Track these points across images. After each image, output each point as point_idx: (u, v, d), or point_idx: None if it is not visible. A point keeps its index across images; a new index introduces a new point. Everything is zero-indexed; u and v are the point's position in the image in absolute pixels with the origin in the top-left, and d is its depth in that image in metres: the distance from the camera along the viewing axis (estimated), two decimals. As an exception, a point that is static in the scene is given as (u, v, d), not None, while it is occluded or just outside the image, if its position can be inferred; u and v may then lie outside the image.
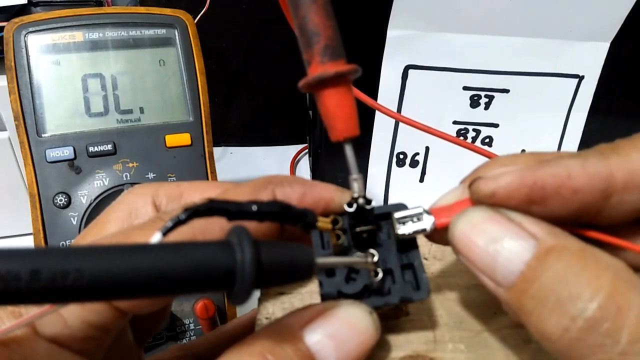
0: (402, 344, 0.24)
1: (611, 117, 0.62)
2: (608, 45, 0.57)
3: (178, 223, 0.18)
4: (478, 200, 0.22)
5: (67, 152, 0.48)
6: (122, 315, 0.22)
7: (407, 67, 0.58)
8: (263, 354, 0.19)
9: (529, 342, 0.24)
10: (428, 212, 0.23)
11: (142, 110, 0.51)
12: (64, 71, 0.49)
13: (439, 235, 0.23)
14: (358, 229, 0.24)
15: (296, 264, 0.19)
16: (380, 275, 0.23)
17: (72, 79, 0.49)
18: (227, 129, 0.81)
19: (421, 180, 0.66)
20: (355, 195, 0.23)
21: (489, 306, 0.26)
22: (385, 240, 0.24)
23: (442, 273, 0.28)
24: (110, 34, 0.50)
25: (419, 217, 0.23)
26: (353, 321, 0.21)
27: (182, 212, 0.18)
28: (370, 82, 0.59)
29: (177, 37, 0.52)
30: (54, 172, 0.47)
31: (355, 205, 0.23)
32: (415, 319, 0.25)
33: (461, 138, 0.62)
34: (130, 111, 0.50)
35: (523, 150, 0.62)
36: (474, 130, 0.62)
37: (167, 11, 0.52)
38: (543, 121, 0.62)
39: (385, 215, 0.24)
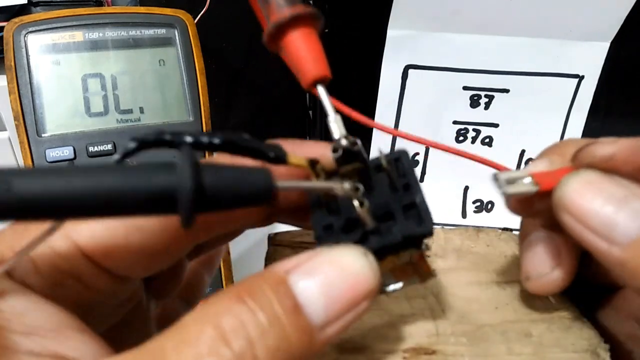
0: (405, 337, 0.24)
1: (611, 117, 0.62)
2: (608, 45, 0.57)
3: (127, 154, 0.18)
4: (591, 164, 0.22)
5: (67, 152, 0.47)
6: (101, 269, 0.21)
7: (407, 67, 0.58)
8: (240, 294, 0.17)
9: (531, 336, 0.24)
10: (529, 176, 0.23)
11: (142, 110, 0.51)
12: (64, 71, 0.49)
13: (536, 201, 0.23)
14: (343, 170, 0.22)
15: (251, 186, 0.18)
16: (366, 207, 0.20)
17: (72, 79, 0.49)
18: (227, 129, 0.81)
19: (421, 180, 0.66)
20: (337, 136, 0.21)
21: (490, 301, 0.26)
22: (384, 185, 0.22)
23: (443, 270, 0.28)
24: (110, 34, 0.50)
25: (522, 179, 0.23)
26: (343, 262, 0.19)
27: (131, 141, 0.18)
28: (370, 82, 0.59)
29: (177, 37, 0.52)
30: (53, 172, 0.47)
31: (340, 151, 0.21)
32: (418, 313, 0.25)
33: (461, 138, 0.62)
34: (130, 111, 0.50)
35: (523, 150, 0.62)
36: (474, 130, 0.62)
37: (167, 11, 0.52)
38: (543, 121, 0.62)
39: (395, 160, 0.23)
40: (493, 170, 0.24)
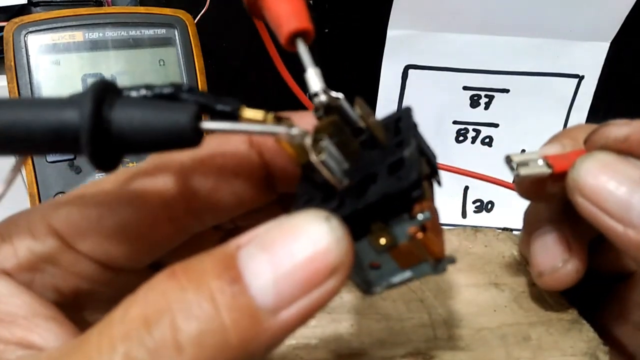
0: (404, 342, 0.24)
1: (611, 117, 0.62)
2: (608, 45, 0.57)
3: None
4: (605, 146, 0.22)
5: (67, 152, 0.47)
6: (79, 254, 0.20)
7: (407, 67, 0.58)
8: (175, 270, 0.15)
9: (529, 339, 0.24)
10: (541, 158, 0.23)
11: (142, 110, 0.50)
12: (64, 71, 0.49)
13: (549, 184, 0.23)
14: (318, 125, 0.17)
15: (170, 125, 0.16)
16: (323, 156, 0.17)
17: (72, 79, 0.49)
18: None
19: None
20: (314, 89, 0.18)
21: (488, 303, 0.26)
22: (380, 147, 0.18)
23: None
24: (110, 33, 0.50)
25: (535, 161, 0.23)
26: (298, 229, 0.15)
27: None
28: (370, 82, 0.59)
29: (177, 37, 0.52)
30: (53, 172, 0.47)
31: (321, 109, 0.18)
32: (416, 317, 0.25)
33: (461, 138, 0.62)
34: (130, 111, 0.50)
35: (523, 150, 0.62)
36: (474, 130, 0.62)
37: (167, 11, 0.52)
38: (543, 121, 0.62)
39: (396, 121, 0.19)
40: (492, 170, 0.24)
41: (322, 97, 0.18)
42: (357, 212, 0.16)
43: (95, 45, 0.50)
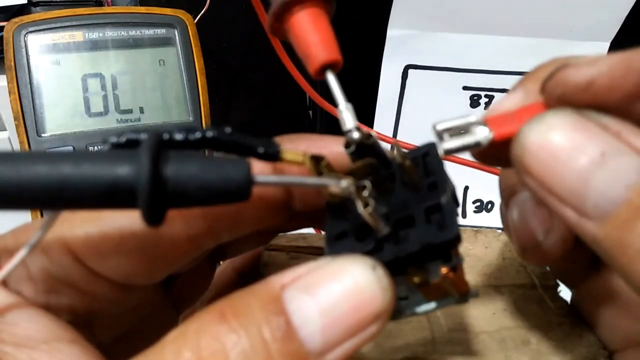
0: (401, 346, 0.24)
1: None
2: (608, 45, 0.57)
3: (115, 146, 0.17)
4: (563, 97, 0.16)
5: (67, 152, 0.47)
6: (96, 276, 0.20)
7: (407, 67, 0.58)
8: (224, 312, 0.15)
9: (528, 344, 0.24)
10: (482, 123, 0.18)
11: (142, 110, 0.51)
12: (64, 71, 0.49)
13: (496, 153, 0.18)
14: (353, 167, 0.18)
15: (223, 180, 0.16)
16: (370, 208, 0.17)
17: (72, 79, 0.49)
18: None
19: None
20: (348, 127, 0.18)
21: (487, 307, 0.26)
22: (410, 185, 0.19)
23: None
24: (110, 33, 0.50)
25: (468, 129, 0.18)
26: (346, 277, 0.15)
27: (102, 144, 0.17)
28: (370, 82, 0.59)
29: (177, 37, 0.52)
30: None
31: (353, 145, 0.18)
32: (414, 320, 0.25)
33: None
34: (130, 111, 0.50)
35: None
36: (474, 130, 0.62)
37: (167, 11, 0.52)
38: (543, 121, 0.62)
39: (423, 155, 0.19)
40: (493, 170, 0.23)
41: (355, 135, 0.18)
42: (398, 259, 0.17)
43: (95, 45, 0.50)
